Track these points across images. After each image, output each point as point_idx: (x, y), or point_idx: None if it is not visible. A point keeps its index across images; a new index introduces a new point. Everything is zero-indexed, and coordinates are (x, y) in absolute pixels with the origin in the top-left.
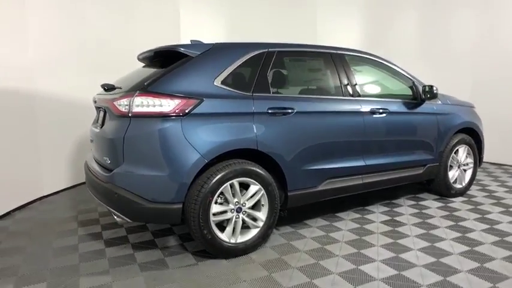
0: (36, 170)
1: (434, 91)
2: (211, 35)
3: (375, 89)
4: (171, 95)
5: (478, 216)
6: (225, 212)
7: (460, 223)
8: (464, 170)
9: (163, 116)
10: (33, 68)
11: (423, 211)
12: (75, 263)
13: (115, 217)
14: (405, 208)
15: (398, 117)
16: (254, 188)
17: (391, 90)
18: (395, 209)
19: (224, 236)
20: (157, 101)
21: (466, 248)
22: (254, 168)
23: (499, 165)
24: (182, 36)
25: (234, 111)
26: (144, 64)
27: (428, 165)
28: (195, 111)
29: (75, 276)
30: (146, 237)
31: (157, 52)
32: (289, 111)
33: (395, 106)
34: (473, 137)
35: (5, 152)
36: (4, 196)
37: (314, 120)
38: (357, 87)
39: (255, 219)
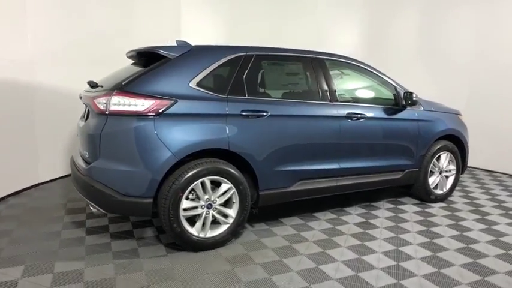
0: (33, 158)
1: (414, 98)
2: (212, 33)
3: (354, 95)
4: (146, 96)
5: (452, 222)
6: (195, 207)
7: (432, 228)
8: (447, 177)
9: (138, 115)
10: (33, 61)
11: (399, 215)
12: (54, 248)
13: (91, 208)
14: (382, 211)
15: (376, 123)
16: (225, 186)
17: (371, 95)
18: (372, 212)
19: (194, 230)
20: (132, 100)
21: (429, 254)
22: (225, 168)
23: (490, 172)
24: (183, 33)
25: (207, 112)
26: (132, 62)
27: (407, 170)
28: (169, 111)
29: (52, 261)
30: (126, 228)
31: (140, 52)
32: (263, 114)
33: (374, 112)
34: (457, 144)
35: (3, 140)
36: (0, 182)
37: (287, 123)
38: (335, 92)
39: (226, 215)
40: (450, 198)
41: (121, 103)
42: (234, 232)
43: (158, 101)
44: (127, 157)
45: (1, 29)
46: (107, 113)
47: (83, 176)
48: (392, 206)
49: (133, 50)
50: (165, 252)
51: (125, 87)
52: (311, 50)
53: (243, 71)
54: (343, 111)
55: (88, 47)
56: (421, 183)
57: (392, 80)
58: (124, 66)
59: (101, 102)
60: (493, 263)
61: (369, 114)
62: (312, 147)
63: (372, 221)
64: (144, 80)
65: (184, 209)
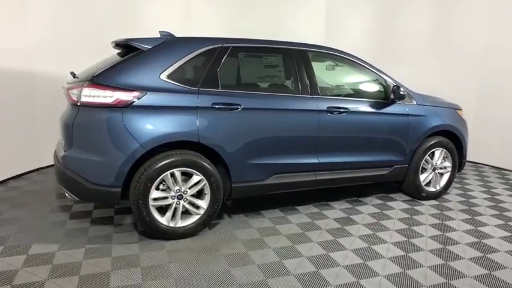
0: (34, 142)
1: (401, 92)
2: (218, 26)
3: (339, 88)
4: (115, 88)
5: (436, 222)
6: (166, 198)
7: (414, 227)
8: (441, 174)
9: (107, 107)
10: (33, 50)
11: (384, 211)
12: (36, 231)
13: (66, 194)
14: (368, 207)
15: (360, 117)
16: (196, 177)
17: (358, 89)
18: (357, 207)
19: (163, 220)
20: (102, 92)
21: (401, 253)
22: (195, 159)
23: (499, 170)
24: (191, 25)
25: (176, 105)
26: (117, 51)
27: (395, 166)
28: (137, 103)
29: (30, 242)
30: (108, 214)
31: (118, 43)
32: (236, 107)
33: (359, 105)
34: (454, 140)
35: (6, 126)
36: (2, 165)
37: (261, 116)
38: (317, 85)
39: (197, 206)
40: (445, 196)
41: (91, 95)
42: (206, 223)
43: (126, 93)
44: (97, 147)
45: (2, 19)
46: (78, 104)
47: (59, 164)
48: (380, 202)
49: (113, 41)
50: (137, 240)
51: (95, 79)
52: (295, 42)
53: (218, 64)
54: (323, 105)
55: (88, 37)
56: (411, 180)
57: (383, 73)
58: (110, 56)
59: (73, 93)
60: (465, 266)
61: (352, 108)
62: (288, 141)
63: (353, 217)
64: (115, 72)
65: (155, 199)
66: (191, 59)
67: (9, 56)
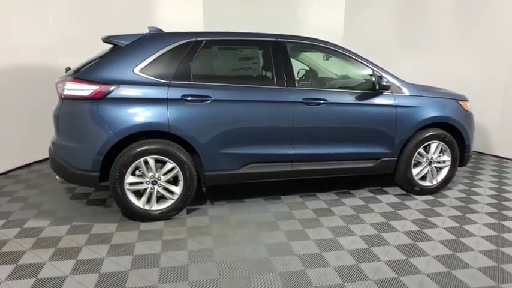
0: None
1: (383, 83)
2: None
3: (319, 79)
4: (92, 81)
5: (420, 217)
6: (141, 183)
7: (392, 222)
8: (439, 168)
9: (85, 99)
10: (55, 49)
11: (369, 205)
12: (39, 208)
13: (56, 177)
14: (354, 199)
15: (341, 108)
16: (170, 165)
17: (341, 80)
18: (342, 199)
19: (139, 203)
20: (80, 86)
21: (364, 247)
22: (166, 148)
23: None
24: (205, 22)
25: (148, 97)
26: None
27: (382, 159)
28: (111, 95)
29: (28, 218)
30: (103, 196)
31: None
32: (206, 99)
33: (339, 97)
34: (455, 133)
35: (31, 115)
36: (28, 150)
37: (232, 108)
38: (293, 77)
39: (171, 192)
40: (445, 192)
41: (73, 88)
42: (180, 207)
43: (101, 86)
44: (77, 136)
45: (25, 18)
46: (62, 96)
47: (50, 150)
48: (370, 195)
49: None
50: (118, 220)
51: (77, 74)
52: (273, 33)
53: (190, 57)
54: (299, 97)
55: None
56: (402, 174)
57: (371, 63)
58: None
59: (59, 87)
60: (425, 263)
61: (332, 100)
62: (261, 132)
63: (333, 208)
64: (94, 67)
65: (131, 183)
66: (164, 53)
67: (32, 53)
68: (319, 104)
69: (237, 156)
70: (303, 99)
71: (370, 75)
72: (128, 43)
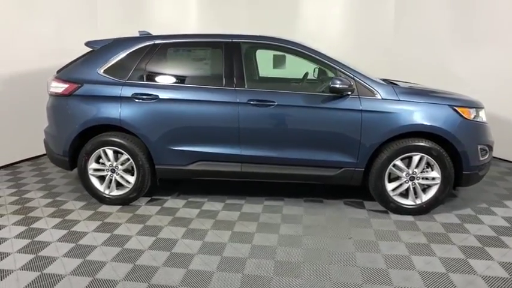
0: None
1: (337, 86)
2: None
3: (274, 80)
4: (65, 80)
5: (360, 245)
6: (102, 170)
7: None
8: (428, 186)
9: (59, 96)
10: None
11: (314, 216)
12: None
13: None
14: (299, 208)
15: (293, 111)
16: (124, 156)
17: (299, 81)
18: (288, 206)
19: (101, 188)
20: (57, 84)
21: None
22: (119, 140)
23: None
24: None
25: (104, 94)
26: None
27: (344, 168)
28: (76, 93)
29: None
30: None
31: None
32: (153, 97)
33: (290, 99)
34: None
35: None
36: None
37: (178, 107)
38: (243, 78)
39: (128, 180)
40: (436, 213)
41: (53, 86)
42: (135, 196)
43: (69, 85)
44: (55, 126)
45: (76, 19)
46: (48, 93)
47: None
48: (334, 206)
49: None
50: (96, 202)
51: (57, 74)
52: (229, 34)
53: (147, 59)
54: (244, 98)
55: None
56: (373, 187)
57: (337, 63)
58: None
59: (48, 85)
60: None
61: (281, 102)
62: (207, 131)
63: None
64: (70, 68)
65: (95, 169)
66: (126, 55)
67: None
68: (268, 106)
69: (185, 153)
70: (248, 100)
71: (332, 77)
72: (99, 47)
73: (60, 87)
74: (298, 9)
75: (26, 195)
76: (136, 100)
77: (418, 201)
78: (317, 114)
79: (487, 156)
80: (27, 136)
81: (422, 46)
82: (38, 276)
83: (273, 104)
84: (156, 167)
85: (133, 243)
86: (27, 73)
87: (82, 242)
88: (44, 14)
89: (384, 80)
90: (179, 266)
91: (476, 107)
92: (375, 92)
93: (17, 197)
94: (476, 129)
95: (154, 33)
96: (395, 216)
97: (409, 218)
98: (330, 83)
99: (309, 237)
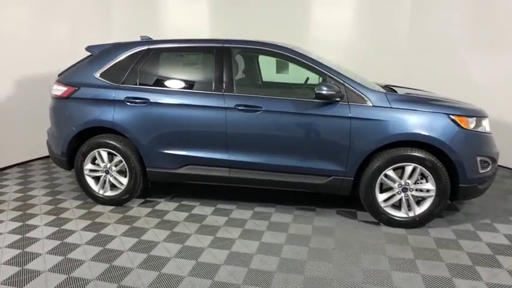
0: None
1: (323, 92)
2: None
3: (262, 85)
4: (64, 83)
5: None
6: (97, 171)
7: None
8: (422, 198)
9: (59, 98)
10: None
11: (302, 224)
12: (61, 189)
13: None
14: (289, 216)
15: (278, 117)
16: (118, 158)
17: (288, 86)
18: (278, 213)
19: (96, 188)
20: (58, 87)
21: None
22: (111, 142)
23: None
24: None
25: (99, 97)
26: None
27: (333, 176)
28: (74, 95)
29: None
30: None
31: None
32: (144, 101)
33: (278, 104)
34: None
35: None
36: None
37: (166, 111)
38: (232, 82)
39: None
40: (431, 227)
41: (54, 89)
42: (127, 198)
43: (67, 88)
44: (55, 127)
45: (90, 23)
46: (50, 95)
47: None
48: (326, 214)
49: None
50: (91, 201)
51: (58, 78)
52: (221, 39)
53: (140, 64)
54: (232, 103)
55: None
56: (363, 197)
57: (331, 70)
58: None
59: (50, 88)
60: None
61: (268, 107)
62: (196, 135)
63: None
64: (69, 72)
65: (90, 170)
66: (121, 60)
67: None
68: (255, 111)
69: (175, 157)
70: (235, 105)
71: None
72: (98, 52)
73: (60, 89)
74: (311, 14)
75: (30, 193)
76: (129, 104)
77: (411, 214)
78: (305, 120)
79: (488, 169)
80: (41, 136)
81: (437, 51)
82: (18, 271)
83: (260, 109)
84: (147, 169)
85: (116, 244)
86: (42, 75)
87: (68, 240)
88: (60, 18)
89: (385, 86)
90: (152, 269)
91: (478, 115)
92: (366, 98)
93: (21, 194)
94: (476, 140)
95: (165, 37)
96: (386, 229)
97: (401, 231)
98: (316, 89)
99: (289, 246)
